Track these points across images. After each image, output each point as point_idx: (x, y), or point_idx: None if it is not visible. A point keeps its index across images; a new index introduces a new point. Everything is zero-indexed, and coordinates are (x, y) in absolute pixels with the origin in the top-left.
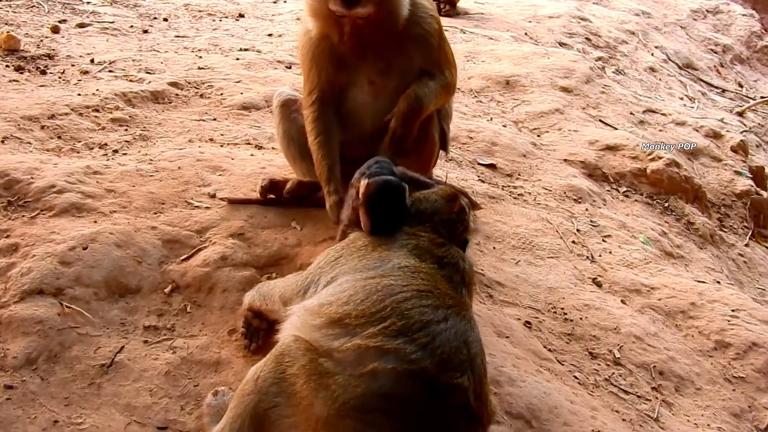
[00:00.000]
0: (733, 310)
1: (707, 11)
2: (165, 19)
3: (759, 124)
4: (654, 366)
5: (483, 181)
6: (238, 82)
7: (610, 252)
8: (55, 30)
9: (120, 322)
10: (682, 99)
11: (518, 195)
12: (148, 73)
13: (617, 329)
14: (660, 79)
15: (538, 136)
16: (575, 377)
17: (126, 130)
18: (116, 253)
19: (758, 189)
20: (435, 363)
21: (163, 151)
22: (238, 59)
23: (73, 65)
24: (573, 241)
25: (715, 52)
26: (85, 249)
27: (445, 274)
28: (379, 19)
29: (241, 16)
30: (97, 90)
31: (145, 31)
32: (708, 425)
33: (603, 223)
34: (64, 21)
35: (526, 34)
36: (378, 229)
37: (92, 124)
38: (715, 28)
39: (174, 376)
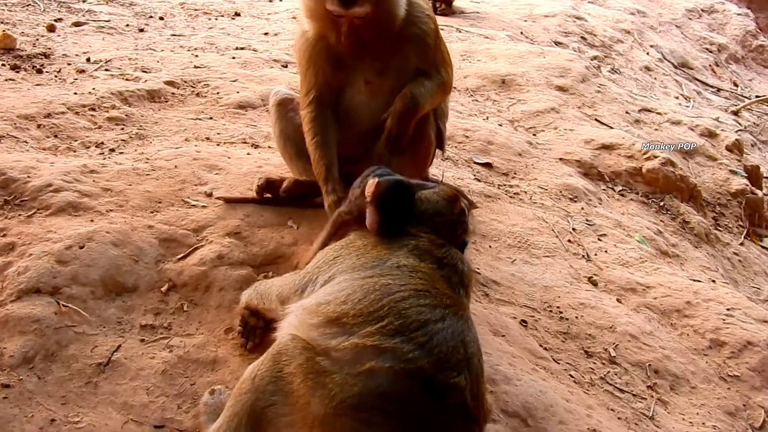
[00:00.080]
0: (728, 309)
1: (702, 10)
2: (161, 18)
3: (754, 123)
4: (649, 365)
5: (479, 180)
6: (234, 81)
7: (606, 251)
8: (51, 29)
9: (117, 320)
10: (677, 98)
11: (514, 194)
12: (145, 71)
13: (613, 328)
14: (655, 78)
15: (534, 135)
16: (571, 376)
17: (122, 129)
18: (113, 251)
19: (753, 188)
20: (432, 362)
21: (159, 150)
22: (234, 58)
23: (69, 64)
24: (569, 240)
25: (711, 51)
26: (81, 248)
27: (444, 274)
28: (376, 19)
29: (237, 14)
30: (94, 89)
31: (141, 30)
32: (703, 424)
33: (598, 222)
34: (60, 20)
35: (521, 33)
36: (387, 229)
37: (88, 123)
38: (710, 28)
39: (171, 374)
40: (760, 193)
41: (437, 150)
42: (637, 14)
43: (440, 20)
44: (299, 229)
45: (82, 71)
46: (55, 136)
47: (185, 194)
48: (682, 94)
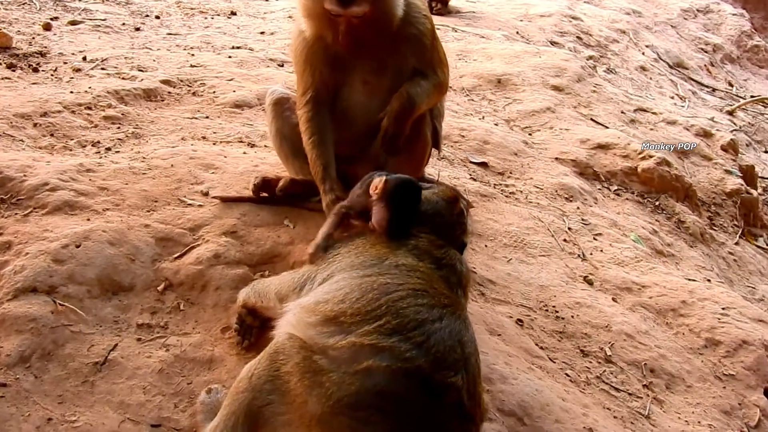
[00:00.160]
0: (723, 308)
1: (698, 10)
2: (157, 17)
3: (749, 123)
4: (645, 363)
5: (475, 180)
6: (230, 80)
7: (601, 250)
8: (47, 27)
9: (113, 319)
10: (672, 98)
11: (510, 193)
12: (141, 70)
13: (608, 327)
14: (651, 78)
15: (530, 134)
16: (567, 375)
17: (119, 127)
18: (109, 250)
19: (748, 188)
20: (429, 362)
21: (155, 149)
22: (230, 57)
23: (65, 63)
24: (564, 240)
25: (706, 52)
26: (78, 247)
27: (443, 275)
28: (374, 19)
29: (233, 13)
30: (90, 87)
31: (137, 29)
32: (698, 422)
33: (594, 222)
34: (56, 18)
35: (517, 32)
36: (395, 227)
37: (85, 122)
38: (705, 28)
39: (167, 373)
40: (755, 193)
41: (433, 149)
42: (632, 14)
43: (436, 20)
44: (295, 228)
45: (78, 70)
46: (52, 135)
47: (181, 193)
48: (677, 94)
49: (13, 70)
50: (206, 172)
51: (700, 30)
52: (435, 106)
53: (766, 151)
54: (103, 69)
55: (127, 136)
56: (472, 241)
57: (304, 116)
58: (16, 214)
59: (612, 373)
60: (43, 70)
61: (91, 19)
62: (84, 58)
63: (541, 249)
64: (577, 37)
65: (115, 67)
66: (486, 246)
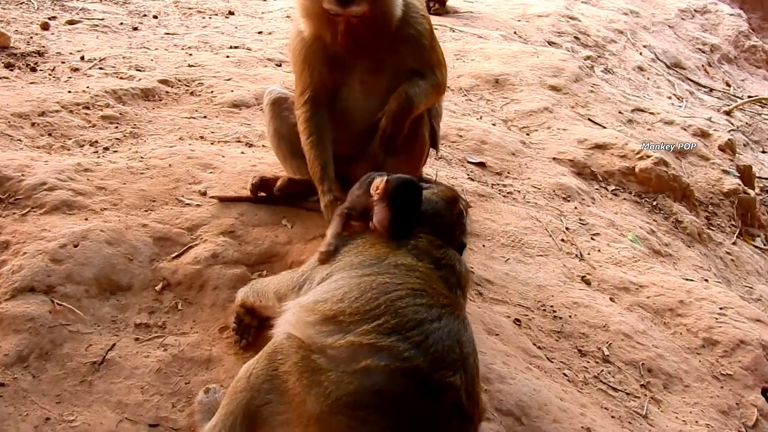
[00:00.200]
0: (720, 308)
1: (695, 11)
2: (155, 17)
3: (746, 123)
4: (643, 363)
5: (472, 180)
6: (228, 79)
7: (599, 250)
8: (45, 27)
9: (111, 319)
10: (670, 98)
11: (507, 193)
12: (139, 70)
13: (606, 327)
14: (648, 78)
15: (527, 134)
16: (564, 374)
17: (116, 127)
18: (107, 250)
19: (746, 188)
20: (428, 361)
21: (153, 149)
22: (228, 57)
23: (63, 62)
24: (562, 239)
25: (703, 52)
26: (76, 246)
27: (442, 275)
28: (373, 18)
29: (231, 13)
30: (88, 87)
31: (135, 29)
32: (696, 422)
33: (592, 222)
34: (53, 18)
35: (515, 32)
36: (397, 226)
37: (83, 122)
38: (702, 28)
39: (165, 373)
40: (752, 193)
41: (431, 149)
42: (630, 14)
43: (434, 20)
44: (293, 227)
45: (76, 69)
46: (49, 135)
47: (179, 193)
48: (674, 94)
49: (11, 70)
50: (204, 171)
51: (697, 30)
52: (433, 106)
53: (763, 151)
54: (101, 68)
55: (125, 136)
56: (469, 240)
57: (302, 116)
58: (14, 213)
59: (610, 373)
60: (40, 70)
61: (89, 19)
62: (82, 58)
63: (538, 249)
64: (575, 37)
65: (113, 67)
66: (484, 246)
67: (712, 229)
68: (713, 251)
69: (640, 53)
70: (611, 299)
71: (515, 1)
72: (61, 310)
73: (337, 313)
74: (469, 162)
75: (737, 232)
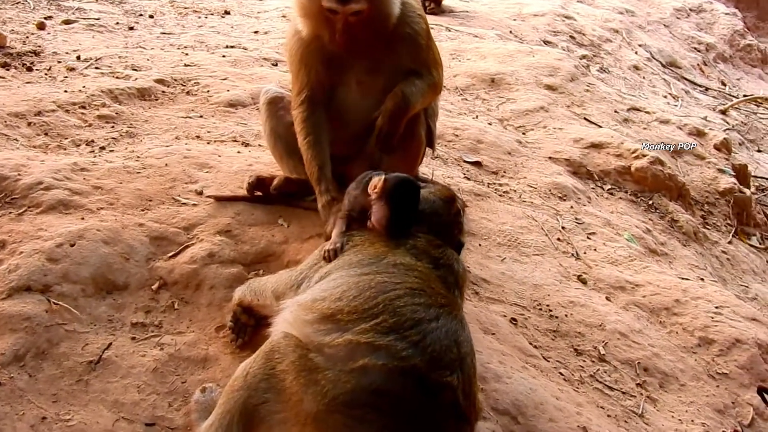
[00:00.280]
0: (716, 307)
1: (690, 10)
2: (151, 16)
3: (742, 122)
4: (638, 362)
5: (468, 179)
6: (224, 79)
7: (595, 249)
8: (41, 26)
9: (107, 318)
10: (665, 97)
11: (503, 192)
12: (135, 70)
13: (602, 326)
14: (644, 78)
15: (523, 133)
16: (561, 374)
17: (113, 127)
18: (103, 249)
19: (741, 187)
20: (425, 361)
21: (149, 148)
22: (224, 56)
23: (59, 62)
24: (558, 239)
25: (699, 51)
26: (72, 246)
27: (440, 274)
28: (371, 17)
29: (227, 13)
30: (84, 87)
31: (131, 28)
32: (692, 421)
33: (588, 221)
34: (49, 17)
35: (511, 32)
36: (396, 225)
37: (79, 121)
38: (698, 27)
39: (162, 372)
40: (747, 192)
41: (427, 148)
42: (625, 13)
43: (430, 19)
44: (290, 227)
45: (72, 69)
46: (46, 134)
47: (176, 192)
48: (670, 93)
49: (7, 69)
50: (200, 171)
51: (693, 29)
52: (429, 106)
53: (759, 150)
54: (97, 68)
55: (121, 135)
56: (466, 240)
57: (299, 116)
58: (10, 213)
59: (606, 372)
60: (37, 69)
61: (85, 19)
62: (78, 58)
63: (534, 248)
64: (571, 36)
65: (109, 66)
66: (480, 245)
67: (708, 228)
68: (709, 250)
69: (636, 52)
70: (607, 298)
71: (511, 0)
72: (58, 310)
73: (335, 312)
74: (465, 161)
75: (733, 231)
